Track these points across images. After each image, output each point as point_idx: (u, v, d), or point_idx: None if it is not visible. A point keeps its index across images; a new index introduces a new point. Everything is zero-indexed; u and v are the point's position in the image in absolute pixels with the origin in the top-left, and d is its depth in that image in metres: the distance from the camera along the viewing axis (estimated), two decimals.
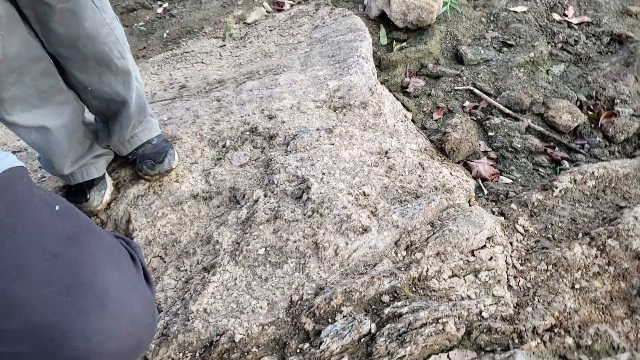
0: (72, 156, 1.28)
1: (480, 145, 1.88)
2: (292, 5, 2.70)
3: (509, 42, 2.40)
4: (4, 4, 0.95)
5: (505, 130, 1.94)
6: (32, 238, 0.62)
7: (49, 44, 1.07)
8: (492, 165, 1.80)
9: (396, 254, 1.32)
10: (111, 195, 1.45)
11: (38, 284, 0.60)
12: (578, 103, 2.07)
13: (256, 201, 1.41)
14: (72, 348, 0.61)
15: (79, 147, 1.29)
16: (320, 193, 1.39)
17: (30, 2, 0.98)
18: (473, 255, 1.33)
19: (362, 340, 1.12)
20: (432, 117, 2.06)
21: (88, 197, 1.37)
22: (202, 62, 2.38)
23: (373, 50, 2.27)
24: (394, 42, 2.44)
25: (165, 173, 1.49)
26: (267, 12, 2.66)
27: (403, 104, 2.08)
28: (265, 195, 1.42)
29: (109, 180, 1.46)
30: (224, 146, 1.63)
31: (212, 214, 1.43)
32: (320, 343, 1.11)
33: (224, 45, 2.52)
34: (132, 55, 1.28)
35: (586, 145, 1.90)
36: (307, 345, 1.11)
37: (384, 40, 2.47)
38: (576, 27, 2.50)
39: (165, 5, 3.00)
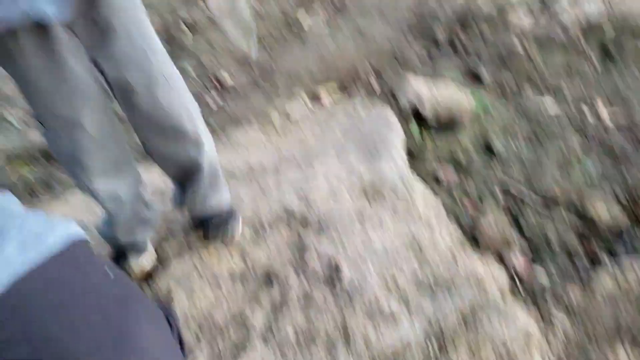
0: (129, 224, 1.38)
1: (513, 236, 1.88)
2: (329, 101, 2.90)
3: (540, 135, 2.46)
4: (97, 89, 1.09)
5: (539, 222, 1.93)
6: (93, 303, 0.70)
7: (130, 116, 1.21)
8: (525, 257, 1.78)
9: (427, 345, 1.30)
10: (152, 265, 1.51)
11: (88, 339, 0.67)
12: (615, 198, 2.06)
13: (289, 283, 1.45)
14: None
15: (134, 218, 1.38)
16: (351, 276, 1.42)
17: (116, 84, 1.11)
18: (507, 352, 1.29)
19: None
20: (463, 207, 2.09)
21: (130, 262, 1.44)
22: (247, 149, 2.54)
23: (405, 141, 2.37)
24: (426, 134, 2.55)
25: (230, 240, 1.60)
26: (308, 106, 2.87)
27: (434, 193, 2.12)
28: (297, 277, 1.46)
29: (150, 249, 1.53)
30: (261, 227, 1.71)
31: (247, 293, 1.47)
32: None
33: (267, 135, 2.70)
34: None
35: (625, 237, 1.85)
36: None
37: (415, 133, 2.58)
38: (608, 120, 2.54)
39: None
